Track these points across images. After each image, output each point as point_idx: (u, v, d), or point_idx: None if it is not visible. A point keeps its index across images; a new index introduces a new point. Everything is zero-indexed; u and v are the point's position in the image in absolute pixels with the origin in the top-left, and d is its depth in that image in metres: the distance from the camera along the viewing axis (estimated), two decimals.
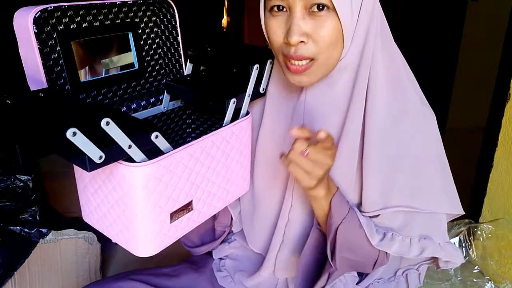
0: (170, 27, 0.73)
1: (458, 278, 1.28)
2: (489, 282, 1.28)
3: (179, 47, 0.74)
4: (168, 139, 0.58)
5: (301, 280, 0.67)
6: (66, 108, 0.54)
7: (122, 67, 0.73)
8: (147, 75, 0.76)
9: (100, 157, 0.48)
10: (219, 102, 0.66)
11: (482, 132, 1.39)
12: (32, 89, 0.59)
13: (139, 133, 0.52)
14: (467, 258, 1.34)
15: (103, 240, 1.25)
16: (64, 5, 0.58)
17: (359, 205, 0.66)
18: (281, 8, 0.58)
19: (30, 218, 1.14)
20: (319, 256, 0.68)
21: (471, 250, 1.35)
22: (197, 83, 0.71)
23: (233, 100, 0.65)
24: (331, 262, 0.64)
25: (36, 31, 0.55)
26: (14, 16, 0.56)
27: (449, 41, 2.50)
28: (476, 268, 1.33)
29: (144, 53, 0.75)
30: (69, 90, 0.64)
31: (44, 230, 1.13)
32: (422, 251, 0.65)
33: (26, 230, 1.11)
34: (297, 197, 0.69)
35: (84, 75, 0.67)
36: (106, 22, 0.67)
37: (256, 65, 0.67)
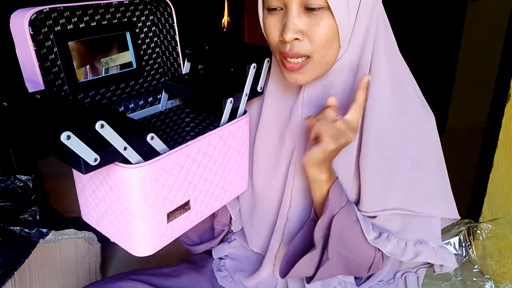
0: (167, 26, 0.73)
1: (458, 278, 1.28)
2: (489, 282, 1.28)
3: (177, 46, 0.74)
4: (167, 138, 0.58)
5: (285, 264, 0.65)
6: (62, 110, 0.54)
7: (120, 67, 0.73)
8: (145, 74, 0.76)
9: (95, 160, 0.48)
10: (216, 101, 0.66)
11: (482, 132, 1.39)
12: (30, 90, 0.59)
13: (134, 135, 0.52)
14: (467, 257, 1.34)
15: (103, 240, 1.25)
16: (60, 7, 0.58)
17: (356, 205, 0.66)
18: (278, 6, 0.59)
19: (30, 218, 1.14)
20: (310, 247, 0.67)
21: (471, 250, 1.35)
22: (195, 82, 0.71)
23: (230, 99, 0.65)
24: (318, 248, 0.62)
25: (32, 33, 0.55)
26: (11, 18, 0.56)
27: (449, 41, 2.50)
28: (476, 267, 1.33)
29: (142, 52, 0.75)
30: (67, 91, 0.64)
31: (44, 230, 1.13)
32: (417, 255, 0.65)
33: (26, 230, 1.11)
34: (296, 196, 0.69)
35: (82, 75, 0.67)
36: (103, 22, 0.67)
37: (253, 64, 0.67)
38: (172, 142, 0.81)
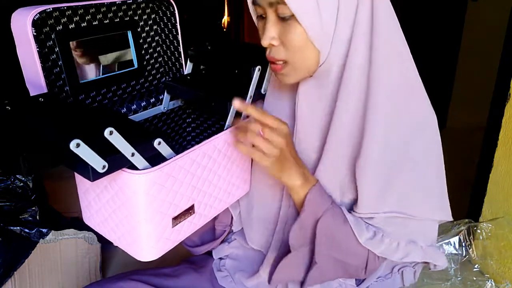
0: (170, 25, 0.73)
1: (458, 278, 1.28)
2: (489, 281, 1.28)
3: (179, 46, 0.74)
4: (169, 139, 0.57)
5: (271, 268, 0.66)
6: (68, 115, 0.54)
7: (122, 67, 0.73)
8: (146, 74, 0.76)
9: (104, 167, 0.48)
10: (221, 103, 0.65)
11: (482, 132, 1.39)
12: (30, 91, 0.59)
13: (141, 140, 0.51)
14: (467, 257, 1.34)
15: (103, 240, 1.25)
16: (64, 6, 0.57)
17: (351, 206, 0.66)
18: (262, 15, 0.63)
19: (30, 218, 1.14)
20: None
21: (471, 249, 1.35)
22: (197, 83, 0.71)
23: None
24: (293, 250, 0.64)
25: (35, 33, 0.54)
26: (12, 17, 0.55)
27: (449, 41, 2.50)
28: (476, 267, 1.33)
29: (143, 52, 0.74)
30: (68, 91, 0.63)
31: (44, 230, 1.13)
32: (406, 255, 0.65)
33: (26, 230, 1.11)
34: None
35: (83, 75, 0.67)
36: (105, 21, 0.67)
37: (258, 67, 0.67)
38: (174, 143, 0.81)
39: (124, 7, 0.69)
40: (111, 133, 0.47)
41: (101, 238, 1.24)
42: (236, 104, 0.58)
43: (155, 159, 0.54)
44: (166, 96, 0.76)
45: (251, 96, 0.68)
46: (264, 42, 0.61)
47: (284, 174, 0.62)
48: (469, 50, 2.46)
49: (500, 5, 1.74)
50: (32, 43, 0.54)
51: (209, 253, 0.86)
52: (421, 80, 0.64)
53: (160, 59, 0.77)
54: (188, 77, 0.73)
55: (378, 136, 0.61)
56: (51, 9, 0.56)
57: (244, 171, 0.72)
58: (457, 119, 2.48)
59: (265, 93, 0.72)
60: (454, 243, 1.34)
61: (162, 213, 0.57)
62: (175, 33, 0.73)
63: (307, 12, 0.57)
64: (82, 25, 0.64)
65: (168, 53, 0.76)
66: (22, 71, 0.58)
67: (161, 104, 0.76)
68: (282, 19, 0.59)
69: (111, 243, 0.64)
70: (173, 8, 0.70)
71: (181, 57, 0.75)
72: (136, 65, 0.73)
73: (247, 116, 0.69)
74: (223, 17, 3.60)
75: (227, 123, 0.66)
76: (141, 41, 0.73)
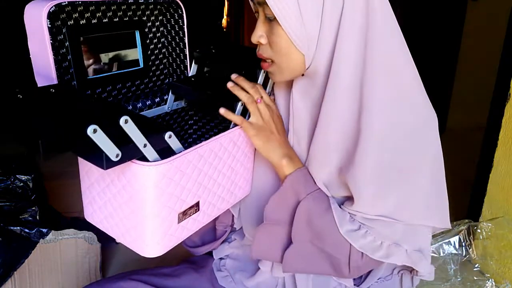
0: (177, 27, 0.73)
1: (458, 279, 1.28)
2: (490, 280, 1.28)
3: (185, 48, 0.74)
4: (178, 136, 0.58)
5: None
6: (81, 105, 0.54)
7: (127, 64, 0.73)
8: (151, 74, 0.76)
9: (117, 155, 0.48)
10: (227, 103, 0.66)
11: (482, 132, 1.39)
12: (39, 83, 0.59)
13: (154, 132, 0.52)
14: (467, 257, 1.34)
15: (103, 240, 1.25)
16: (77, 1, 0.57)
17: (340, 204, 0.65)
18: (257, 14, 0.64)
19: (30, 218, 1.14)
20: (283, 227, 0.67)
21: (471, 249, 1.35)
22: (201, 84, 0.72)
23: (241, 102, 0.66)
24: (265, 220, 0.65)
25: (49, 26, 0.54)
26: (25, 9, 0.55)
27: (449, 41, 2.50)
28: (476, 266, 1.34)
29: (149, 52, 0.75)
30: (75, 86, 0.64)
31: (44, 230, 1.13)
32: (387, 256, 0.63)
33: (26, 230, 1.11)
34: None
35: (89, 71, 0.67)
36: (115, 19, 0.67)
37: (263, 70, 0.68)
38: None
39: (133, 7, 0.69)
40: (126, 121, 0.47)
41: (101, 238, 1.24)
42: (233, 76, 0.66)
43: (163, 153, 0.54)
44: (170, 97, 0.76)
45: None
46: (253, 39, 0.63)
47: (268, 148, 0.66)
48: (469, 50, 2.46)
49: (500, 5, 1.74)
50: (46, 36, 0.54)
51: (209, 253, 0.86)
52: (421, 81, 0.63)
53: (165, 60, 0.78)
54: (193, 79, 0.74)
55: (373, 141, 0.59)
56: (66, 2, 0.56)
57: (247, 171, 0.72)
58: (457, 119, 2.48)
59: (269, 95, 0.73)
60: (454, 243, 1.34)
61: (169, 207, 0.58)
62: (181, 35, 0.73)
63: (289, 16, 0.57)
64: (93, 21, 0.64)
65: (174, 54, 0.76)
66: (32, 63, 0.58)
67: (165, 104, 0.76)
68: (269, 20, 0.61)
69: (111, 243, 0.64)
70: (181, 11, 0.71)
71: (186, 59, 0.75)
72: (141, 65, 0.74)
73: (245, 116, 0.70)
74: (223, 17, 3.60)
75: (232, 123, 0.66)
76: (148, 41, 0.74)
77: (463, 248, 1.35)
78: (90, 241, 1.22)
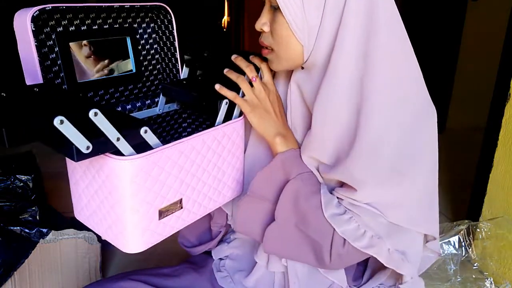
0: (167, 32, 0.74)
1: (458, 279, 1.28)
2: (489, 280, 1.28)
3: (176, 52, 0.75)
4: (163, 141, 0.58)
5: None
6: (58, 100, 0.55)
7: (120, 72, 0.74)
8: (144, 79, 0.77)
9: (88, 148, 0.48)
10: (212, 102, 0.66)
11: (482, 132, 1.39)
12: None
13: (127, 126, 0.52)
14: (466, 257, 1.34)
15: (103, 240, 1.25)
16: (63, 6, 0.58)
17: (331, 188, 0.65)
18: (264, 2, 0.65)
19: (30, 218, 1.14)
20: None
21: (470, 249, 1.35)
22: (192, 86, 0.72)
23: (226, 100, 0.66)
24: (249, 192, 0.66)
25: (34, 29, 0.56)
26: (15, 16, 0.57)
27: (449, 41, 2.50)
28: (475, 266, 1.34)
29: (141, 58, 0.76)
30: (62, 87, 0.65)
31: (44, 230, 1.13)
32: (368, 247, 0.61)
33: (26, 230, 1.11)
34: None
35: (81, 75, 0.68)
36: (105, 26, 0.68)
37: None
38: None
39: (123, 14, 0.71)
40: (95, 114, 0.47)
41: (101, 238, 1.24)
42: (233, 56, 0.68)
43: (144, 149, 0.55)
44: (161, 99, 0.77)
45: (242, 97, 0.68)
46: (256, 26, 0.65)
47: (263, 125, 0.67)
48: (469, 50, 2.47)
49: (500, 5, 1.74)
50: (31, 39, 0.56)
51: (209, 254, 0.86)
52: (422, 76, 0.63)
53: (158, 65, 0.79)
54: (184, 82, 0.74)
55: (372, 134, 0.59)
56: (51, 8, 0.57)
57: (236, 171, 0.72)
58: (457, 119, 2.48)
59: None
60: (454, 242, 1.34)
61: (148, 203, 0.58)
62: (172, 40, 0.75)
63: (291, 5, 0.59)
64: (82, 28, 0.66)
65: (166, 59, 0.78)
66: (23, 67, 0.60)
67: (156, 106, 0.77)
68: (274, 8, 0.62)
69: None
70: (170, 16, 0.72)
71: (177, 63, 0.76)
72: (134, 70, 0.75)
73: (240, 115, 0.70)
74: (223, 17, 3.60)
75: (217, 121, 0.66)
76: (139, 47, 0.75)
77: (463, 248, 1.35)
78: (90, 241, 1.23)
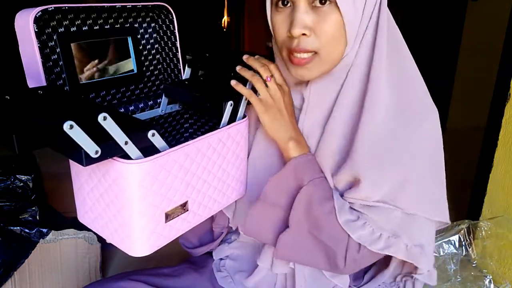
0: (168, 32, 0.74)
1: (458, 279, 1.28)
2: (488, 276, 1.28)
3: (178, 52, 0.75)
4: (164, 135, 0.58)
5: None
6: (64, 103, 0.55)
7: (121, 72, 0.74)
8: (145, 79, 0.77)
9: (96, 152, 0.48)
10: (216, 104, 0.66)
11: (482, 132, 1.39)
12: (31, 86, 0.59)
13: (136, 130, 0.52)
14: (466, 256, 1.34)
15: (103, 240, 1.25)
16: (65, 6, 0.58)
17: (343, 191, 0.65)
18: (285, 3, 0.60)
19: (30, 218, 1.14)
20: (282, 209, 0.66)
21: (470, 249, 1.35)
22: (195, 87, 0.72)
23: (230, 102, 0.66)
24: (262, 197, 0.64)
25: (36, 30, 0.55)
26: (16, 17, 0.57)
27: (449, 41, 2.50)
28: (475, 265, 1.34)
29: (143, 58, 0.76)
30: (66, 89, 0.64)
31: (44, 230, 1.13)
32: (385, 248, 0.62)
33: (26, 230, 1.11)
34: None
35: (83, 77, 0.68)
36: (106, 26, 0.68)
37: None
38: (170, 147, 0.82)
39: (124, 14, 0.70)
40: (104, 118, 0.47)
41: (101, 238, 1.24)
42: (245, 57, 0.64)
43: (150, 153, 0.54)
44: (164, 99, 0.76)
45: (246, 98, 0.68)
46: (296, 31, 0.58)
47: (275, 126, 0.65)
48: (469, 50, 2.46)
49: (500, 5, 1.74)
50: (33, 40, 0.55)
51: (210, 253, 0.86)
52: (421, 76, 0.65)
53: (159, 65, 0.79)
54: (186, 82, 0.74)
55: (371, 133, 0.60)
56: (53, 8, 0.57)
57: (240, 172, 0.72)
58: (457, 119, 2.48)
59: None
60: (454, 242, 1.34)
61: (155, 206, 0.58)
62: (173, 40, 0.74)
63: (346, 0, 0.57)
64: (84, 28, 0.65)
65: (167, 60, 0.77)
66: (24, 68, 0.60)
67: (159, 107, 0.77)
68: (316, 7, 0.58)
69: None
70: (172, 16, 0.72)
71: (179, 64, 0.76)
72: (135, 71, 0.74)
73: (244, 116, 0.69)
74: (223, 17, 3.60)
75: (222, 123, 0.66)
76: (140, 47, 0.75)
77: (463, 247, 1.35)
78: (90, 241, 1.23)
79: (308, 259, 0.66)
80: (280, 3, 0.61)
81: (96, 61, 0.70)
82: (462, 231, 1.35)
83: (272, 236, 0.65)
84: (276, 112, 0.65)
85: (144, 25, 0.74)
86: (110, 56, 0.71)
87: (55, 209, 1.35)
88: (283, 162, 0.68)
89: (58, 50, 0.62)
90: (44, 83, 0.58)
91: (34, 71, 0.58)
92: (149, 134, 0.53)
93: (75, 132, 0.45)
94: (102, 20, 0.67)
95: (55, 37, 0.61)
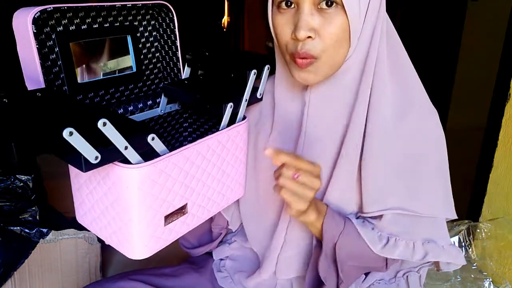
0: (168, 31, 0.74)
1: (458, 279, 1.28)
2: (488, 279, 1.28)
3: (177, 51, 0.74)
4: (165, 142, 0.58)
5: None
6: (63, 108, 0.54)
7: (120, 70, 0.73)
8: (145, 78, 0.77)
9: (96, 158, 0.48)
10: (216, 105, 0.66)
11: (482, 132, 1.39)
12: (29, 89, 0.59)
13: (135, 134, 0.52)
14: (466, 257, 1.34)
15: (103, 240, 1.25)
16: (64, 6, 0.58)
17: (360, 206, 0.66)
18: (289, 4, 0.59)
19: (30, 218, 1.14)
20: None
21: (470, 249, 1.35)
22: (194, 87, 0.71)
23: (230, 104, 0.65)
24: (325, 282, 0.63)
25: (35, 31, 0.55)
26: (14, 16, 0.56)
27: (449, 41, 2.50)
28: (475, 266, 1.34)
29: (142, 56, 0.75)
30: (66, 91, 0.64)
31: (44, 230, 1.13)
32: (426, 254, 0.65)
33: (26, 230, 1.11)
34: None
35: (81, 76, 0.67)
36: (105, 25, 0.67)
37: (254, 71, 0.67)
38: (169, 147, 0.81)
39: (124, 12, 0.69)
40: (104, 124, 0.47)
41: (101, 238, 1.24)
42: (267, 152, 0.54)
43: (149, 156, 0.54)
44: (163, 99, 0.76)
45: (246, 100, 0.68)
46: (301, 34, 0.56)
47: (306, 213, 0.60)
48: (469, 50, 2.46)
49: (500, 5, 1.74)
50: (32, 41, 0.55)
51: (210, 254, 0.86)
52: (419, 78, 0.65)
53: (159, 64, 0.78)
54: (186, 82, 0.74)
55: (376, 141, 0.61)
56: (52, 8, 0.56)
57: (239, 174, 0.72)
58: (457, 119, 2.48)
59: (261, 97, 0.72)
60: (454, 243, 1.35)
61: (154, 210, 0.57)
62: (173, 39, 0.74)
63: (352, 1, 0.56)
64: (83, 27, 0.65)
65: (167, 58, 0.77)
66: (22, 68, 0.59)
67: (158, 107, 0.76)
68: (321, 9, 0.57)
69: None
70: (172, 14, 0.71)
71: (179, 62, 0.75)
72: (134, 69, 0.74)
73: (243, 118, 0.69)
74: (223, 17, 3.60)
75: (222, 125, 0.66)
76: (140, 46, 0.74)
77: (463, 248, 1.35)
78: (90, 241, 1.22)
79: (353, 282, 0.69)
80: (283, 4, 0.59)
81: (94, 59, 0.70)
82: (462, 232, 1.35)
83: None
84: (314, 195, 0.58)
85: (144, 23, 0.74)
86: (108, 53, 0.71)
87: (55, 209, 1.35)
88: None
89: (56, 49, 0.62)
90: (42, 84, 0.58)
91: (32, 71, 0.57)
92: (149, 138, 0.53)
93: (74, 139, 0.45)
94: (101, 19, 0.67)
95: (53, 36, 0.61)
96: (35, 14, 0.54)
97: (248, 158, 0.74)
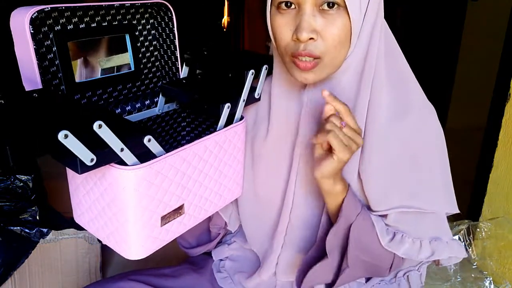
0: (167, 30, 0.73)
1: (458, 279, 1.28)
2: (488, 278, 1.28)
3: (176, 50, 0.74)
4: (163, 142, 0.58)
5: (300, 273, 0.65)
6: (59, 109, 0.54)
7: (118, 68, 0.73)
8: (143, 77, 0.76)
9: (92, 160, 0.48)
10: (213, 105, 0.66)
11: (482, 132, 1.39)
12: (27, 89, 0.59)
13: (131, 136, 0.51)
14: (466, 257, 1.34)
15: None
16: (62, 6, 0.58)
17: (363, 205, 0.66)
18: (289, 4, 0.58)
19: (30, 218, 1.14)
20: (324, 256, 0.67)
21: (470, 249, 1.35)
22: (192, 86, 0.71)
23: (228, 104, 0.65)
24: (329, 256, 0.62)
25: (32, 31, 0.54)
26: (11, 15, 0.56)
27: (449, 41, 2.50)
28: (475, 267, 1.33)
29: (140, 55, 0.75)
30: (64, 91, 0.64)
31: (44, 230, 1.13)
32: (433, 253, 0.64)
33: (26, 230, 1.11)
34: (298, 197, 0.69)
35: (79, 76, 0.67)
36: (104, 24, 0.67)
37: (252, 71, 0.67)
38: (168, 146, 0.81)
39: (122, 10, 0.69)
40: (100, 126, 0.47)
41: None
42: (325, 93, 0.55)
43: (145, 157, 0.54)
44: (161, 99, 0.76)
45: (244, 100, 0.67)
46: (304, 36, 0.56)
47: (335, 177, 0.59)
48: (469, 50, 2.46)
49: (500, 5, 1.74)
50: (29, 41, 0.55)
51: (209, 254, 0.86)
52: (415, 78, 0.66)
53: (157, 63, 0.78)
54: (184, 81, 0.74)
55: (376, 139, 0.61)
56: (50, 8, 0.56)
57: (236, 174, 0.72)
58: (457, 119, 2.48)
59: (259, 97, 0.72)
60: None
61: (151, 211, 0.57)
62: (172, 38, 0.73)
63: (354, 3, 0.56)
64: (81, 26, 0.64)
65: (165, 57, 0.77)
66: (19, 69, 0.59)
67: (156, 106, 0.76)
68: (322, 10, 0.56)
69: None
70: (171, 14, 0.71)
71: (177, 62, 0.75)
72: (133, 68, 0.74)
73: (241, 118, 0.69)
74: (223, 17, 3.60)
75: (219, 125, 0.66)
76: (138, 44, 0.74)
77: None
78: (90, 241, 1.22)
79: (356, 278, 0.68)
80: (283, 4, 0.58)
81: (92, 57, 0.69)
82: (462, 232, 1.35)
83: (332, 277, 0.65)
84: (354, 151, 0.58)
85: (143, 21, 0.74)
86: (106, 51, 0.71)
87: (55, 209, 1.35)
88: (289, 158, 0.68)
89: (54, 49, 0.61)
90: (39, 84, 0.57)
91: (30, 72, 0.57)
92: (145, 140, 0.53)
93: (69, 141, 0.45)
94: (99, 18, 0.66)
95: (51, 35, 0.60)
96: (32, 15, 0.54)
97: (245, 158, 0.74)
